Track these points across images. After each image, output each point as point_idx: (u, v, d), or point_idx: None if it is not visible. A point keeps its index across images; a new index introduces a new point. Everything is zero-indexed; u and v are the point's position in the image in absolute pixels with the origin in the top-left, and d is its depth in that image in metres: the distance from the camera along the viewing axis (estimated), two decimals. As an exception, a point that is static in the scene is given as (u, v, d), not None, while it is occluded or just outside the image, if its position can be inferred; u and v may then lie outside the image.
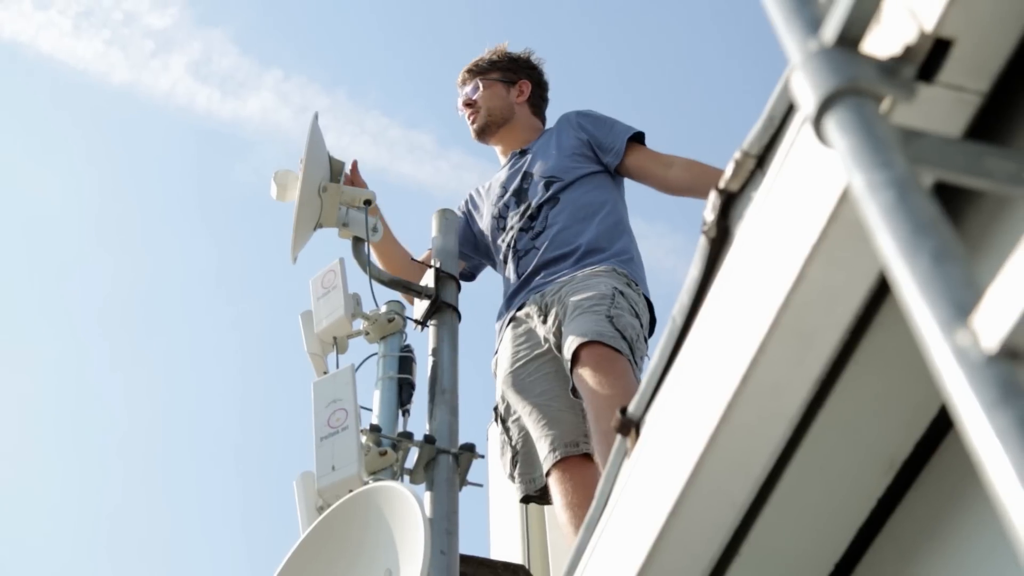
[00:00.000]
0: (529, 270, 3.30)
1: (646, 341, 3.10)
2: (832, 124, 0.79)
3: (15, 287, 10.03)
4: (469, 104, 3.69)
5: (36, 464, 10.16)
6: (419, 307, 3.32)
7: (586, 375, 2.87)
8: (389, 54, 10.19)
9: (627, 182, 3.52)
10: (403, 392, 3.08)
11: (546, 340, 3.14)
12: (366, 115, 9.06)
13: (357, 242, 3.26)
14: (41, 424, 10.11)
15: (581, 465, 2.97)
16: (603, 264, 3.18)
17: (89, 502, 10.27)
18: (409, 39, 10.15)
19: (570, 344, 2.93)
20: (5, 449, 9.94)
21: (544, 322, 3.15)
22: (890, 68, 0.83)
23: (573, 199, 3.36)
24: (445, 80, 3.71)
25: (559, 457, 2.98)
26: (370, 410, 3.01)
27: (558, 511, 2.96)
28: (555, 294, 3.15)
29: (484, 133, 3.69)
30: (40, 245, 9.96)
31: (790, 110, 1.27)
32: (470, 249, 3.58)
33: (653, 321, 3.19)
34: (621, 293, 3.06)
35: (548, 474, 3.00)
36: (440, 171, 8.93)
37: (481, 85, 3.69)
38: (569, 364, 2.94)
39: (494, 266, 3.59)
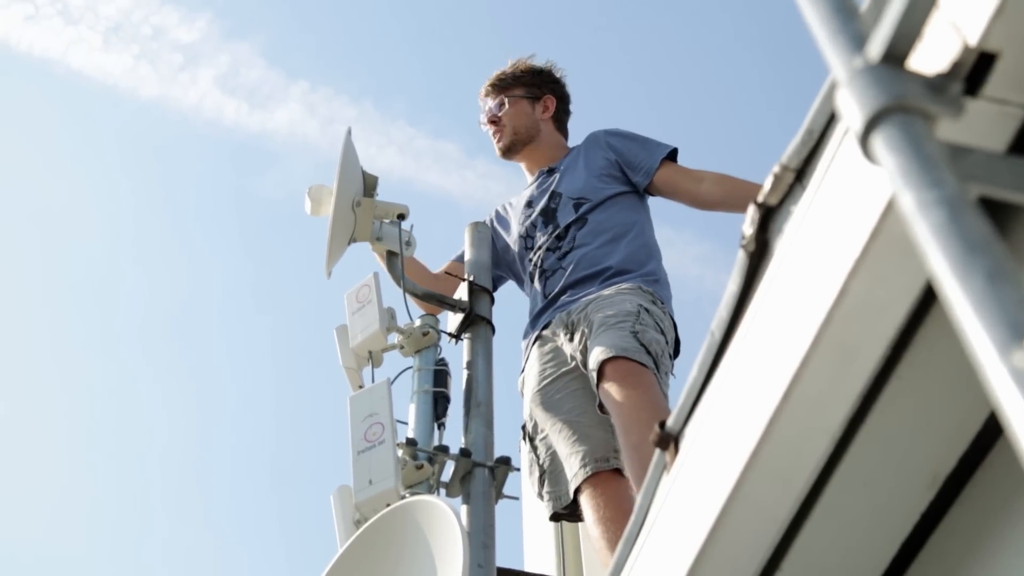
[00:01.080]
0: (556, 290, 3.29)
1: (671, 359, 3.09)
2: (880, 142, 0.79)
3: (51, 303, 10.12)
4: (494, 121, 3.67)
5: (74, 478, 10.24)
6: (453, 320, 3.33)
7: (612, 390, 2.87)
8: (414, 64, 10.24)
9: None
10: (438, 405, 3.09)
11: (572, 358, 3.13)
12: (392, 125, 9.09)
13: (391, 256, 3.28)
14: (80, 438, 10.19)
15: (612, 480, 2.96)
16: (629, 282, 3.17)
17: (127, 515, 10.35)
18: (434, 49, 10.20)
19: (595, 359, 2.93)
20: (44, 463, 10.02)
21: (571, 340, 3.14)
22: (937, 85, 0.82)
23: (601, 220, 3.35)
24: (471, 90, 3.69)
25: (590, 472, 2.97)
26: (406, 424, 3.02)
27: (590, 526, 2.94)
28: (581, 312, 3.14)
29: (510, 151, 3.68)
30: (73, 260, 10.05)
31: (830, 123, 1.26)
32: (492, 265, 3.57)
33: (678, 342, 3.18)
34: (646, 310, 3.05)
35: (579, 490, 2.98)
36: (467, 180, 8.95)
37: (507, 102, 3.67)
38: (595, 380, 2.93)
39: (518, 283, 3.59)
